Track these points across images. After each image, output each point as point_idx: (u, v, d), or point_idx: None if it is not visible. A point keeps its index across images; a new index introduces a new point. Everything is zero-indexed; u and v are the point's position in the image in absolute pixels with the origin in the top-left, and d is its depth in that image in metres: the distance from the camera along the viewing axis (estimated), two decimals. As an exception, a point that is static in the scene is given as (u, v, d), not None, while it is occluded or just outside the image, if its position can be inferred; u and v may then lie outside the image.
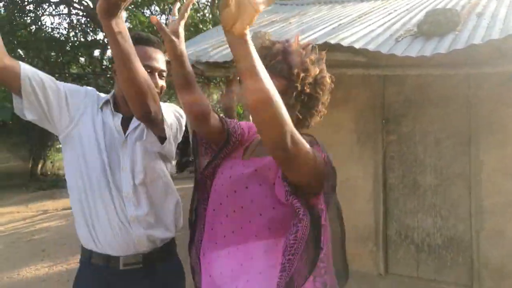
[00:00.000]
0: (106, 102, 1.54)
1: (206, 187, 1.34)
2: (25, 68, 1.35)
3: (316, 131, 4.06)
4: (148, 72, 1.38)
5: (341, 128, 4.03)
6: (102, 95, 1.59)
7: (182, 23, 1.23)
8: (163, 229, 1.53)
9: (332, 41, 2.47)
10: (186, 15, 1.25)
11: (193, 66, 3.32)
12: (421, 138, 3.76)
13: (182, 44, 1.21)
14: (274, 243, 1.18)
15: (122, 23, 1.15)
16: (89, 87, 1.61)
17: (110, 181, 1.44)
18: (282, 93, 1.13)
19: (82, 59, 12.07)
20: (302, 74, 1.18)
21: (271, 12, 5.06)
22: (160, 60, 1.50)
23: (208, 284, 1.24)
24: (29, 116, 1.38)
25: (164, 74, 1.52)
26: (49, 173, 12.79)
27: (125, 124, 1.51)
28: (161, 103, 1.50)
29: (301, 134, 1.08)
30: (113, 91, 1.59)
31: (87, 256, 1.49)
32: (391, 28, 2.97)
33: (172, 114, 1.50)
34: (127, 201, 1.44)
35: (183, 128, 1.57)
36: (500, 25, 2.42)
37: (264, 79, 0.93)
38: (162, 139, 1.42)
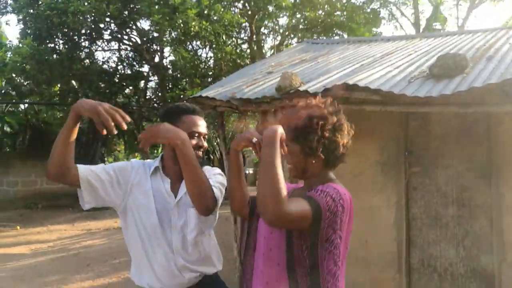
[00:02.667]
0: (156, 169, 1.85)
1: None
2: (82, 170, 1.69)
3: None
4: (195, 136, 1.80)
5: (366, 159, 4.26)
6: (148, 161, 1.92)
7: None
8: (211, 267, 1.86)
9: (350, 82, 2.81)
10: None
11: (228, 101, 3.72)
12: (443, 170, 3.94)
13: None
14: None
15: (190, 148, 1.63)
16: (133, 160, 1.95)
17: (162, 238, 1.77)
18: (304, 138, 1.45)
19: (127, 90, 12.92)
20: (321, 122, 1.45)
21: (303, 51, 5.46)
22: (203, 125, 1.85)
23: None
24: (88, 206, 1.74)
25: (206, 136, 1.87)
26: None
27: (174, 187, 1.82)
28: (207, 168, 1.87)
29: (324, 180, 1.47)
30: (161, 154, 1.92)
31: None
32: (406, 70, 3.26)
33: (218, 189, 1.79)
34: (176, 254, 1.77)
35: (224, 192, 1.86)
36: (502, 69, 2.66)
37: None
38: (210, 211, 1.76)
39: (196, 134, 1.79)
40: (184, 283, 1.79)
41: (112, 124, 1.49)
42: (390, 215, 4.13)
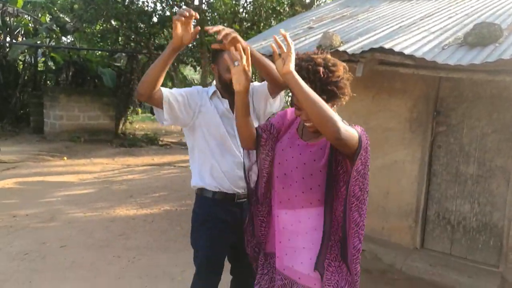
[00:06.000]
0: (214, 92, 2.28)
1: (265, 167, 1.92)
2: (164, 92, 2.07)
3: (375, 115, 4.68)
4: None
5: (397, 115, 4.50)
6: (205, 88, 2.33)
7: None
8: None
9: (386, 46, 3.02)
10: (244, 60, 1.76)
11: (271, 55, 3.97)
12: (468, 131, 4.15)
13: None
14: (316, 211, 1.75)
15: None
16: (197, 86, 2.37)
17: (230, 144, 2.20)
18: (323, 90, 1.62)
19: (166, 32, 13.10)
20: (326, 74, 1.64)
21: (344, 6, 5.52)
22: None
23: (280, 231, 1.86)
24: (166, 123, 2.13)
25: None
26: (127, 132, 14.32)
27: (232, 105, 2.22)
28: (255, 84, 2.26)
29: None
30: (214, 84, 2.33)
31: (211, 194, 2.25)
32: (442, 35, 3.40)
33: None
34: (244, 157, 2.12)
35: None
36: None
37: (313, 96, 1.51)
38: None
39: None
40: (243, 187, 2.18)
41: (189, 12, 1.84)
42: (413, 170, 4.43)
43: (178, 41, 1.89)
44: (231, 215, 2.24)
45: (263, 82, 2.28)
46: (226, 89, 2.20)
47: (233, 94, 2.05)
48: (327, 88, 1.64)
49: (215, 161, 2.21)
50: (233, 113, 2.22)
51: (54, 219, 5.40)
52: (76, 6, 9.57)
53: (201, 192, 2.31)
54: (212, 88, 2.29)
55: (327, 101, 1.63)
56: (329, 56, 1.71)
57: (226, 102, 2.26)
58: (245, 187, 2.19)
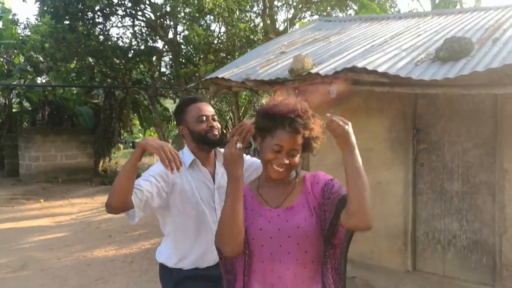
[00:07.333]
0: (193, 162, 2.01)
1: None
2: (136, 196, 1.75)
3: (354, 137, 4.53)
4: (204, 120, 1.99)
5: (376, 136, 4.42)
6: (180, 154, 1.92)
7: None
8: None
9: (359, 65, 2.95)
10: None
11: (243, 82, 3.89)
12: (449, 147, 4.08)
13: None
14: (309, 273, 1.55)
15: None
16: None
17: (208, 221, 1.98)
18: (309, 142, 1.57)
19: (142, 66, 13.04)
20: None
21: (315, 29, 5.54)
22: (208, 109, 2.04)
23: None
24: (137, 220, 1.81)
25: (215, 117, 2.07)
26: (108, 170, 13.99)
27: (212, 174, 2.05)
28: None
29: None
30: (185, 148, 2.08)
31: (179, 271, 2.01)
32: (414, 52, 3.37)
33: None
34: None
35: None
36: (505, 53, 2.75)
37: (363, 170, 1.41)
38: None
39: (204, 118, 1.99)
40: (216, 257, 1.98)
41: (178, 163, 1.65)
42: (398, 190, 4.32)
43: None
44: (206, 271, 2.04)
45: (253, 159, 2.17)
46: (202, 143, 1.99)
47: (211, 143, 1.98)
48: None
49: (189, 242, 2.00)
50: (214, 182, 2.04)
51: (26, 268, 5.07)
52: (46, 45, 9.44)
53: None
54: (189, 157, 2.02)
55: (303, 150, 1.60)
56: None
57: (207, 172, 2.04)
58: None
